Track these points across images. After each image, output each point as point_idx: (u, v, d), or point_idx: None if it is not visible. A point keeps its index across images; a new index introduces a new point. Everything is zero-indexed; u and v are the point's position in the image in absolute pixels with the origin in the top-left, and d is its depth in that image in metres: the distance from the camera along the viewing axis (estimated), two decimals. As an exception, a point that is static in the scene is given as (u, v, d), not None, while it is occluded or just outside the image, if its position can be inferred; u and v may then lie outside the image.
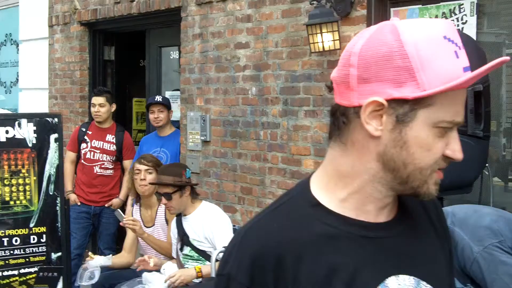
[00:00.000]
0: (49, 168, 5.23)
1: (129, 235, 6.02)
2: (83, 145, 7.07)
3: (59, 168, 5.28)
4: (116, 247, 7.01)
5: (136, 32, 8.00)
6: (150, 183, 5.67)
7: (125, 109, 8.70)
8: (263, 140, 5.97)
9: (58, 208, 5.27)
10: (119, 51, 8.56)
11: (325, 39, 5.17)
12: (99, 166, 7.04)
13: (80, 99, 8.24)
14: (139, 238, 5.86)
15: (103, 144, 7.04)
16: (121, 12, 7.50)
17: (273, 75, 5.85)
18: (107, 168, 7.03)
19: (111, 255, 5.91)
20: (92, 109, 7.09)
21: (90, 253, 5.84)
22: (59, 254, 5.29)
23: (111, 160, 7.04)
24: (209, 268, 5.06)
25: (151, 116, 6.88)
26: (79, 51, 8.24)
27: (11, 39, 10.66)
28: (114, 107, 7.15)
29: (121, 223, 5.70)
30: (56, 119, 5.29)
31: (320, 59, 5.43)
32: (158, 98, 6.88)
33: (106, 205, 7.03)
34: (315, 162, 5.52)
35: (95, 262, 5.63)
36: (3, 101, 9.46)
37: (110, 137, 7.07)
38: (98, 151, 7.04)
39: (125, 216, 5.66)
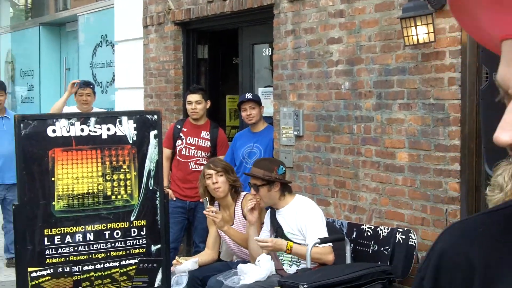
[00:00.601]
0: (149, 164, 5.33)
1: (211, 233, 6.12)
2: (178, 141, 7.21)
3: (159, 164, 5.36)
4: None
5: (229, 30, 8.12)
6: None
7: (219, 106, 8.82)
8: (356, 134, 5.98)
9: (157, 202, 5.36)
10: (212, 50, 8.67)
11: (420, 32, 5.14)
12: (194, 162, 7.17)
13: (174, 97, 8.41)
14: (221, 234, 5.97)
15: (198, 140, 7.18)
16: (214, 11, 7.62)
17: (367, 69, 5.85)
18: (202, 164, 7.09)
19: (198, 258, 5.95)
20: (188, 107, 7.21)
21: (177, 257, 5.94)
22: (159, 246, 5.37)
23: (205, 156, 7.15)
24: (301, 248, 5.21)
25: (243, 114, 6.96)
26: (173, 50, 8.40)
27: (107, 40, 11.00)
28: (208, 104, 7.27)
29: (204, 211, 5.80)
30: (155, 116, 5.40)
31: (414, 52, 5.41)
32: (249, 95, 6.97)
33: (200, 200, 7.15)
34: (409, 155, 5.51)
35: (183, 267, 5.72)
36: (100, 100, 9.74)
37: (204, 134, 7.20)
38: (193, 148, 7.17)
39: (209, 206, 5.76)
